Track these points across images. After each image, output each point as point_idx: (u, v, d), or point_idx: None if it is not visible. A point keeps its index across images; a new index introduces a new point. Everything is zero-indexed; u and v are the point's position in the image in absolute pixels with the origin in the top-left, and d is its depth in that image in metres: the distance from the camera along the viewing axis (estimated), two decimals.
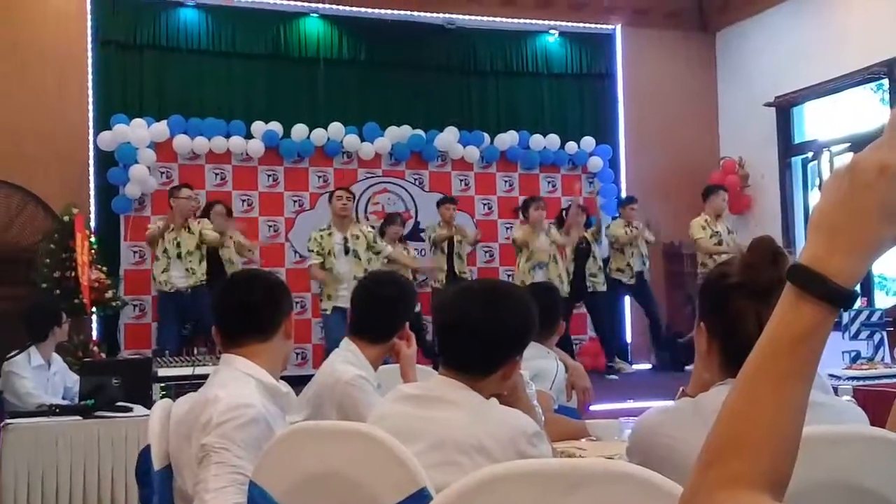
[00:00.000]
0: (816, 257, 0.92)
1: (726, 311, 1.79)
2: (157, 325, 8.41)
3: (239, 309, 2.55)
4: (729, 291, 1.78)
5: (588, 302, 9.49)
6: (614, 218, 10.00)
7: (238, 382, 2.39)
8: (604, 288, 9.38)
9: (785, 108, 10.23)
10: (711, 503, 0.91)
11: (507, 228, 9.87)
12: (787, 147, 10.31)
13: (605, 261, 9.56)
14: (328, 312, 7.64)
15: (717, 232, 8.88)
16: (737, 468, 0.91)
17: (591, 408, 4.11)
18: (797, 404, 0.93)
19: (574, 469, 1.45)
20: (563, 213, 9.50)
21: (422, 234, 9.64)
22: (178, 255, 7.92)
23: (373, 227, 8.45)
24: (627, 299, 10.24)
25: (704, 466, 0.94)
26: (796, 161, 10.29)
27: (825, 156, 8.87)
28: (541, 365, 3.57)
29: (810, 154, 9.97)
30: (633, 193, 10.44)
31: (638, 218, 9.65)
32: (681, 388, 2.38)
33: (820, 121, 10.06)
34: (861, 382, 5.30)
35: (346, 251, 7.72)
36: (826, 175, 8.32)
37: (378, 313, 3.16)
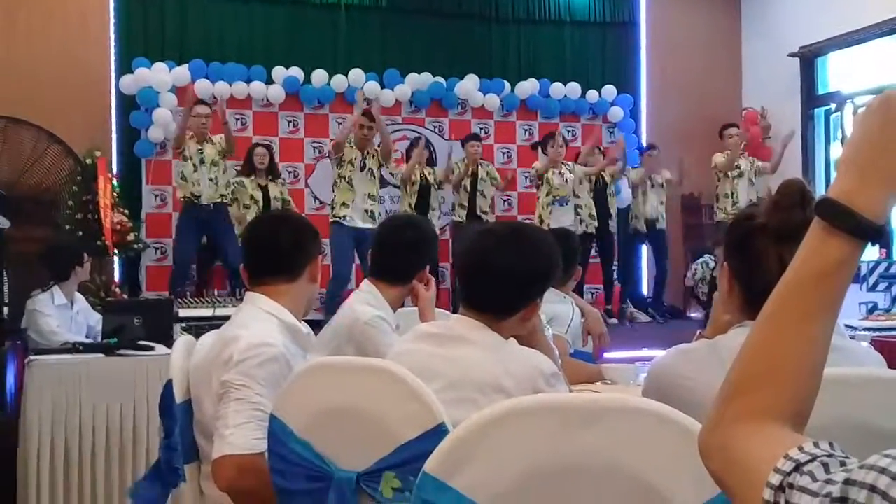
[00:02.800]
0: (845, 191, 0.93)
1: (750, 251, 1.78)
2: (174, 239, 8.38)
3: (266, 248, 2.58)
4: (754, 232, 1.77)
5: (601, 242, 9.40)
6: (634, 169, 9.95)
7: (260, 321, 2.42)
8: (614, 230, 9.38)
9: (809, 59, 10.10)
10: (733, 435, 0.92)
11: (526, 177, 9.83)
12: (811, 98, 10.20)
13: (620, 210, 9.53)
14: (340, 221, 7.75)
15: (737, 165, 8.86)
16: (759, 400, 0.92)
17: (606, 355, 4.14)
18: (820, 339, 0.93)
19: (592, 403, 1.46)
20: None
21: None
22: (202, 161, 7.93)
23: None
24: (644, 251, 10.21)
25: (726, 399, 0.95)
26: (819, 112, 10.19)
27: (848, 107, 8.76)
28: (557, 309, 3.59)
29: (833, 106, 9.86)
30: (653, 143, 10.37)
31: (656, 165, 9.56)
32: (698, 332, 2.40)
33: (844, 72, 9.91)
34: (878, 333, 5.30)
35: (363, 167, 7.90)
36: (849, 127, 8.25)
37: (398, 256, 3.18)
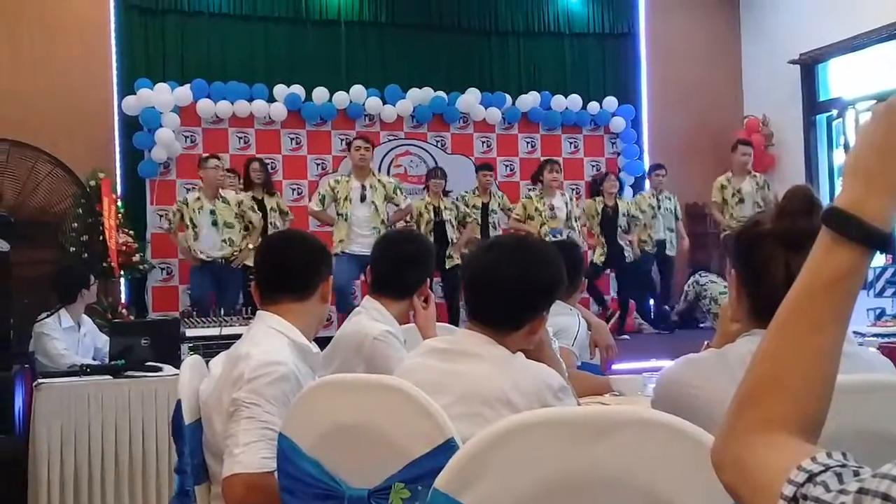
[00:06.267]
0: (852, 200, 0.92)
1: (756, 258, 1.78)
2: (190, 287, 8.31)
3: (278, 267, 2.59)
4: (760, 239, 1.77)
5: (619, 271, 9.43)
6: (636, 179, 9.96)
7: (270, 339, 2.42)
8: (632, 258, 9.29)
9: (809, 66, 10.11)
10: (745, 447, 0.91)
11: (530, 189, 9.80)
12: (812, 105, 10.20)
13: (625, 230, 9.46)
14: (338, 254, 7.43)
15: (738, 190, 8.75)
16: (771, 411, 0.92)
17: (613, 366, 4.12)
18: (831, 348, 0.93)
19: (602, 416, 1.46)
20: (597, 182, 9.45)
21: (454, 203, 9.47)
22: (214, 224, 7.80)
23: (392, 180, 8.30)
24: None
25: (738, 410, 0.94)
26: (821, 119, 10.19)
27: (850, 113, 8.76)
28: (563, 322, 3.58)
29: (835, 112, 9.86)
30: (656, 153, 10.40)
31: (667, 185, 9.51)
32: (706, 342, 2.40)
33: (845, 78, 9.92)
34: (886, 339, 5.29)
35: (363, 199, 7.73)
36: (851, 133, 8.25)
37: (397, 270, 3.17)
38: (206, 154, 8.33)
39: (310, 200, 9.49)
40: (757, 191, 8.75)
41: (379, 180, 7.93)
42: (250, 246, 7.70)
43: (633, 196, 9.86)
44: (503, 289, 2.15)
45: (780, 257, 1.71)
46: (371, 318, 3.10)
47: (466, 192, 9.15)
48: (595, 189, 9.43)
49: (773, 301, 1.70)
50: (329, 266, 2.66)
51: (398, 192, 8.05)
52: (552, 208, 8.60)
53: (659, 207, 9.39)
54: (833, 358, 0.93)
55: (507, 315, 2.17)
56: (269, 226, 8.24)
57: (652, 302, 9.78)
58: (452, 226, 8.66)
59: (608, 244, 9.10)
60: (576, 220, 8.74)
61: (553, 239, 8.38)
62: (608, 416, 1.45)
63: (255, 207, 8.09)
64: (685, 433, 1.39)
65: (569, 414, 1.61)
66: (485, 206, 9.01)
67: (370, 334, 2.99)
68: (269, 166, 8.73)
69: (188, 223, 7.81)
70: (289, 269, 2.57)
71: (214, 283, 7.89)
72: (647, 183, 9.94)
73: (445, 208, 8.70)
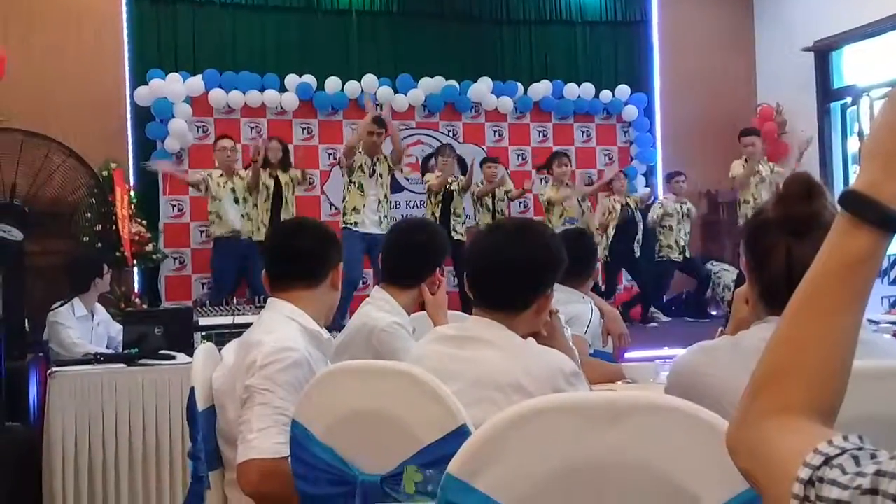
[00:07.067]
0: (870, 183, 0.92)
1: (760, 245, 1.79)
2: (213, 276, 8.40)
3: (288, 254, 2.60)
4: (764, 226, 1.78)
5: (632, 269, 9.44)
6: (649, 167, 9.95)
7: (282, 326, 2.43)
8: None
9: (823, 53, 10.04)
10: (761, 430, 0.91)
11: (542, 179, 9.78)
12: (826, 92, 10.13)
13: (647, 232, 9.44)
14: (351, 227, 7.76)
15: (758, 171, 8.72)
16: (787, 395, 0.91)
17: (626, 355, 4.12)
18: (848, 332, 0.92)
19: (617, 401, 1.45)
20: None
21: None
22: (235, 200, 8.02)
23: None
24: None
25: (753, 394, 0.94)
26: (835, 107, 10.13)
27: (864, 101, 8.72)
28: (576, 309, 3.57)
29: (849, 99, 9.80)
30: (669, 142, 10.37)
31: (684, 193, 9.47)
32: (719, 329, 2.39)
33: (859, 65, 9.84)
34: None
35: (373, 173, 7.93)
36: (865, 120, 8.20)
37: (409, 259, 3.17)
38: (220, 134, 8.38)
39: (321, 189, 9.57)
40: (772, 175, 8.71)
41: (384, 156, 8.11)
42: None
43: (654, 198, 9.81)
44: (507, 270, 2.16)
45: (781, 243, 1.73)
46: (379, 308, 3.10)
47: (476, 182, 9.15)
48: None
49: (776, 286, 1.73)
50: (339, 253, 2.67)
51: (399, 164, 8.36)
52: (566, 198, 8.79)
53: (685, 214, 9.37)
54: (850, 342, 0.93)
55: (514, 296, 2.17)
56: (284, 201, 8.30)
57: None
58: (459, 195, 8.81)
59: (622, 242, 9.10)
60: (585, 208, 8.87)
61: (568, 226, 8.44)
62: (622, 402, 1.45)
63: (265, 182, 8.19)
64: (699, 418, 1.39)
65: (582, 399, 1.60)
66: (493, 196, 9.06)
67: (378, 326, 2.99)
68: (285, 144, 8.69)
69: (213, 195, 8.03)
70: (298, 256, 2.58)
71: (239, 259, 7.98)
72: (662, 190, 9.88)
73: (452, 181, 8.83)
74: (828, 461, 0.82)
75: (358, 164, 7.92)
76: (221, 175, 8.06)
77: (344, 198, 8.06)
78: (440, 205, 8.70)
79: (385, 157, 8.11)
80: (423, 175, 9.25)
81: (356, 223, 7.81)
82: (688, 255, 9.42)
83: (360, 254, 7.75)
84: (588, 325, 3.66)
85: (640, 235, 9.28)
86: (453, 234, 8.36)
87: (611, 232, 9.12)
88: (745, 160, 8.73)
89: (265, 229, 7.91)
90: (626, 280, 9.94)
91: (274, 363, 2.28)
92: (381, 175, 8.00)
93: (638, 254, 9.25)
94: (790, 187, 1.70)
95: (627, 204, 9.26)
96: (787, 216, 1.70)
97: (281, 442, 2.19)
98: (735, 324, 2.08)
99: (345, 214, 7.95)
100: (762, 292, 1.82)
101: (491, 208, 9.00)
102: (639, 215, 9.30)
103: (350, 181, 7.97)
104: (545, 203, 8.95)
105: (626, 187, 9.44)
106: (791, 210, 1.69)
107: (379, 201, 7.92)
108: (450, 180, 8.78)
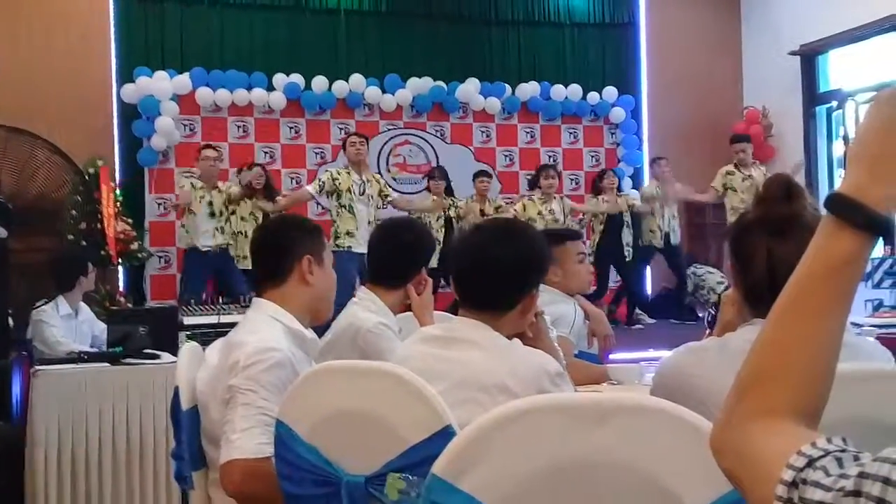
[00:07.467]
0: (855, 186, 0.92)
1: (743, 246, 1.81)
2: (181, 279, 8.38)
3: (253, 252, 2.61)
4: (746, 227, 1.81)
5: (621, 269, 9.48)
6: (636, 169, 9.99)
7: (265, 326, 2.41)
8: (630, 258, 9.36)
9: (809, 57, 10.09)
10: (745, 432, 0.91)
11: (528, 179, 9.77)
12: (812, 96, 10.19)
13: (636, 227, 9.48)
14: (342, 251, 7.46)
15: (749, 176, 8.75)
16: (771, 397, 0.91)
17: (611, 356, 4.12)
18: (832, 335, 0.93)
19: (602, 402, 1.45)
20: (598, 179, 9.44)
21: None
22: (211, 214, 7.92)
23: (381, 178, 8.45)
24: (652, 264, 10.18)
25: (737, 396, 0.94)
26: (821, 110, 10.18)
27: (850, 105, 8.74)
28: (560, 310, 3.57)
29: (835, 103, 9.83)
30: (656, 144, 10.40)
31: (668, 177, 9.42)
32: (707, 332, 2.40)
33: (845, 69, 9.90)
34: (884, 330, 5.28)
35: (362, 192, 7.81)
36: (851, 124, 8.23)
37: (394, 258, 3.16)
38: (205, 143, 8.32)
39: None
40: (763, 178, 8.72)
41: (373, 175, 8.05)
42: None
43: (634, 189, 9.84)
44: (492, 269, 2.16)
45: (762, 244, 1.75)
46: (365, 308, 3.09)
47: (464, 198, 9.14)
48: (596, 188, 9.40)
49: (758, 287, 1.74)
50: (305, 245, 2.52)
51: (388, 187, 8.26)
52: (552, 212, 8.76)
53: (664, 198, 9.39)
54: (834, 345, 0.93)
55: (499, 296, 2.17)
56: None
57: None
58: (457, 223, 8.81)
59: (611, 242, 9.11)
60: (570, 218, 8.87)
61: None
62: (607, 403, 1.45)
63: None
64: (684, 420, 1.39)
65: (567, 400, 1.60)
66: (482, 213, 8.99)
67: (364, 326, 2.99)
68: (270, 176, 8.62)
69: (189, 208, 7.94)
70: (258, 254, 2.58)
71: (211, 272, 7.97)
72: (647, 175, 9.93)
73: (451, 206, 8.85)
74: (811, 463, 0.82)
75: (345, 186, 7.71)
76: (202, 187, 7.95)
77: (334, 221, 7.79)
78: (443, 229, 8.69)
79: (374, 176, 8.04)
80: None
81: (349, 247, 7.60)
82: (672, 242, 9.41)
83: (354, 278, 7.68)
84: (572, 325, 3.66)
85: (630, 238, 9.30)
86: None
87: (597, 228, 9.13)
88: (735, 166, 8.77)
89: (242, 241, 7.93)
90: (612, 282, 9.96)
91: (257, 363, 2.26)
92: (371, 196, 7.85)
93: (629, 257, 9.27)
94: (769, 189, 1.73)
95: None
96: (767, 217, 1.72)
97: (264, 442, 2.18)
98: (722, 326, 2.09)
99: (337, 238, 7.65)
100: (746, 294, 1.83)
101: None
102: (626, 216, 9.31)
103: (340, 205, 7.73)
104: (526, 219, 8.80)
105: (616, 185, 9.42)
106: (771, 211, 1.71)
107: (369, 222, 7.72)
108: (447, 203, 8.80)
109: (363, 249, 7.47)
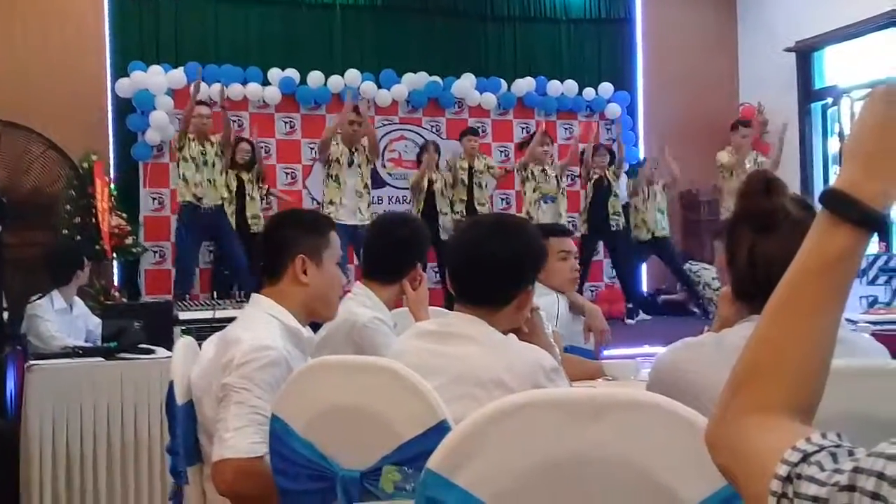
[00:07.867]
0: (850, 182, 0.92)
1: (731, 241, 1.83)
2: (175, 244, 8.43)
3: (257, 248, 2.60)
4: (733, 222, 1.82)
5: (610, 242, 9.47)
6: (631, 167, 10.00)
7: (261, 324, 2.40)
8: (617, 227, 9.33)
9: (805, 54, 10.11)
10: (740, 428, 0.91)
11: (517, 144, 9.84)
12: (807, 93, 10.20)
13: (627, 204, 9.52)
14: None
15: (748, 160, 8.76)
16: (766, 393, 0.92)
17: (606, 352, 4.12)
18: (827, 330, 0.93)
19: (596, 398, 1.46)
20: (582, 155, 9.44)
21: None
22: (205, 163, 7.98)
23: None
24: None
25: (732, 392, 0.94)
26: (816, 107, 10.20)
27: (845, 101, 8.77)
28: (541, 302, 3.56)
29: (830, 100, 9.87)
30: (651, 140, 10.39)
31: (654, 174, 9.51)
32: (705, 328, 2.40)
33: (840, 66, 9.91)
34: (879, 327, 5.29)
35: (350, 164, 7.97)
36: (846, 121, 8.25)
37: (389, 254, 3.16)
38: (199, 100, 8.24)
39: (303, 184, 9.55)
40: (755, 165, 8.72)
41: (362, 144, 8.12)
42: None
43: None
44: (488, 265, 2.16)
45: (744, 240, 1.77)
46: (360, 304, 3.09)
47: (451, 156, 9.21)
48: (583, 162, 9.39)
49: (742, 281, 1.76)
50: (299, 245, 2.48)
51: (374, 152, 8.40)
52: (544, 171, 8.83)
53: (649, 196, 9.40)
54: (829, 340, 0.93)
55: (494, 291, 2.17)
56: (247, 197, 8.44)
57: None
58: (443, 195, 8.86)
59: (593, 215, 9.14)
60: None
61: (546, 205, 8.49)
62: (602, 398, 1.45)
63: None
64: (679, 415, 1.39)
65: (563, 395, 1.61)
66: (470, 169, 9.08)
67: (359, 322, 2.98)
68: (257, 150, 8.71)
69: (186, 156, 7.97)
70: (261, 251, 2.57)
71: (203, 235, 8.11)
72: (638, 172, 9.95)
73: (437, 179, 8.88)
74: (806, 458, 0.82)
75: (335, 156, 7.92)
76: (195, 139, 7.99)
77: (323, 191, 8.09)
78: (424, 203, 8.73)
79: (364, 147, 8.11)
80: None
81: (336, 217, 7.72)
82: (658, 235, 9.40)
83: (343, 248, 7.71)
84: (556, 316, 3.66)
85: (619, 209, 9.30)
86: (441, 233, 8.34)
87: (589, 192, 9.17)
88: (733, 151, 8.79)
89: (228, 196, 8.13)
90: (607, 278, 9.99)
91: (251, 362, 2.25)
92: (359, 165, 8.01)
93: (616, 227, 9.26)
94: (749, 184, 1.75)
95: (605, 176, 9.28)
96: (747, 212, 1.74)
97: (257, 441, 2.17)
98: (720, 322, 2.09)
99: (323, 207, 7.96)
100: (734, 287, 1.85)
101: (466, 183, 8.99)
102: (615, 185, 9.32)
103: (328, 174, 7.99)
104: (518, 169, 9.06)
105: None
106: (751, 206, 1.72)
107: (357, 192, 7.91)
108: (434, 177, 8.77)
109: (353, 221, 7.61)
